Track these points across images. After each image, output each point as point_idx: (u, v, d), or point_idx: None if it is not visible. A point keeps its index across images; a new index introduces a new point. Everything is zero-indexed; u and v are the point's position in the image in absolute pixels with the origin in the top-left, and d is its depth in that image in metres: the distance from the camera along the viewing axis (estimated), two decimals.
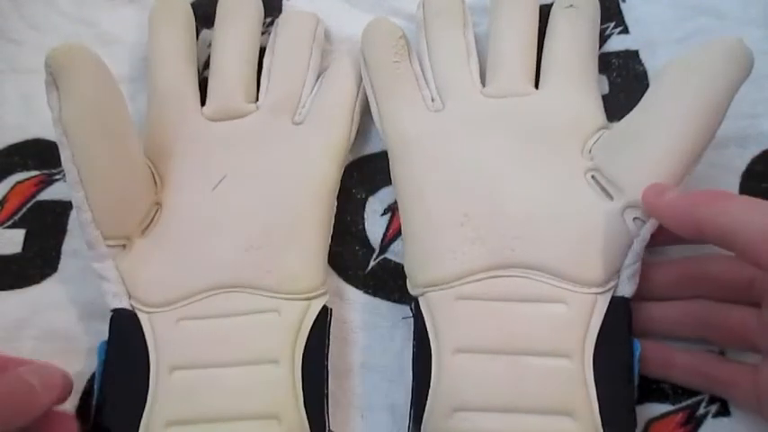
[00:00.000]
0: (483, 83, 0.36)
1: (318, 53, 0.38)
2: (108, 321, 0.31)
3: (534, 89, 0.35)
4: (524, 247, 0.30)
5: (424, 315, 0.30)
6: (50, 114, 0.30)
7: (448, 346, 0.29)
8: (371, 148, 0.38)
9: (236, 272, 0.32)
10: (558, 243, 0.30)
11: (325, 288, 0.32)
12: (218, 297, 0.31)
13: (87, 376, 0.33)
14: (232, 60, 0.37)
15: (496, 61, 0.36)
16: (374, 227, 0.36)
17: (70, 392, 0.29)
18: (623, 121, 0.33)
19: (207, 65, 0.39)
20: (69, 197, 0.31)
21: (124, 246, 0.32)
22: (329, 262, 0.34)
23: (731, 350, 0.31)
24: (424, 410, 0.29)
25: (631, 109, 0.32)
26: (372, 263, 0.35)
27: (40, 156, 0.39)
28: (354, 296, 0.35)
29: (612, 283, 0.30)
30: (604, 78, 0.38)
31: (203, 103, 0.37)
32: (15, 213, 0.37)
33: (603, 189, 0.31)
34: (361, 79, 0.37)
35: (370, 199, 0.37)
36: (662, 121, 0.30)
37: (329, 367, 0.30)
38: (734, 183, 0.35)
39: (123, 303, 0.31)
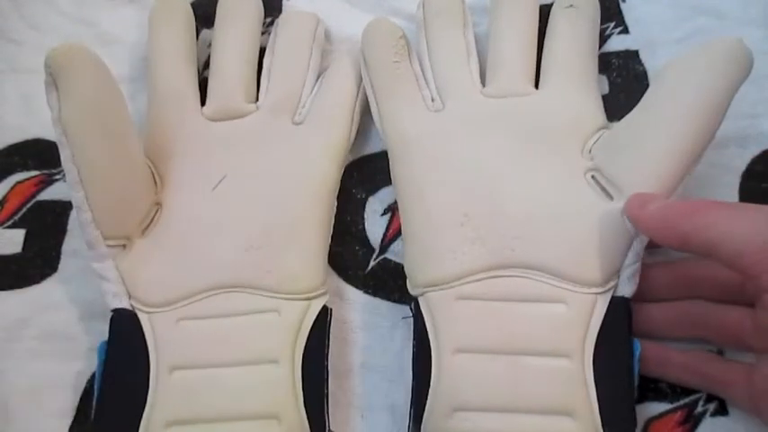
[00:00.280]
0: (483, 83, 0.36)
1: (318, 53, 0.38)
2: (108, 321, 0.31)
3: (534, 89, 0.35)
4: (524, 247, 0.30)
5: (424, 315, 0.30)
6: (50, 114, 0.30)
7: (448, 346, 0.29)
8: (371, 148, 0.38)
9: (236, 272, 0.32)
10: (558, 243, 0.30)
11: (325, 288, 0.32)
12: (219, 297, 0.31)
13: (87, 376, 0.33)
14: (232, 60, 0.37)
15: (496, 61, 0.36)
16: (374, 227, 0.36)
17: None
18: (623, 121, 0.33)
19: (207, 65, 0.39)
20: (69, 197, 0.31)
21: (124, 246, 0.32)
22: (329, 262, 0.34)
23: (729, 350, 0.31)
24: (423, 410, 0.29)
25: (631, 109, 0.32)
26: (372, 263, 0.35)
27: (40, 156, 0.39)
28: (354, 296, 0.35)
29: (612, 283, 0.30)
30: (604, 78, 0.38)
31: (203, 103, 0.37)
32: (15, 213, 0.37)
33: (603, 189, 0.31)
34: (361, 79, 0.37)
35: (370, 199, 0.37)
36: (662, 121, 0.30)
37: (329, 367, 0.30)
38: (734, 183, 0.35)
39: (123, 303, 0.31)
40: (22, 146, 0.39)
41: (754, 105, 0.36)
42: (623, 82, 0.38)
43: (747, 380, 0.28)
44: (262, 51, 0.39)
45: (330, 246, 0.34)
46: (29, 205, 0.37)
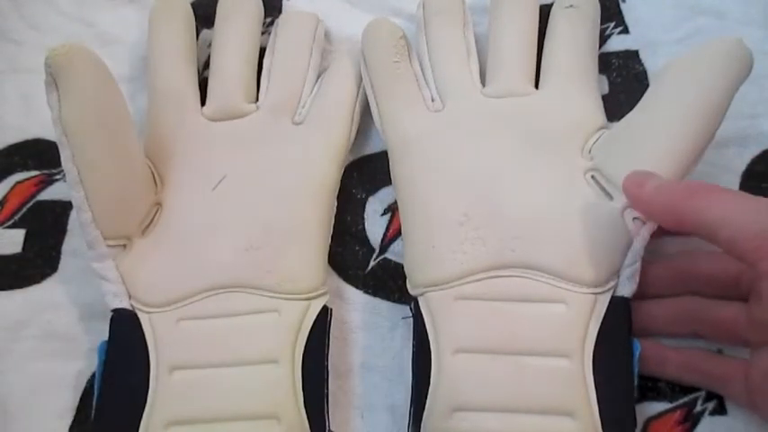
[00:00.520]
0: (483, 83, 0.36)
1: (318, 53, 0.38)
2: (108, 321, 0.31)
3: (534, 89, 0.35)
4: (524, 247, 0.30)
5: (424, 315, 0.30)
6: (50, 114, 0.30)
7: (448, 346, 0.29)
8: (371, 148, 0.38)
9: (236, 272, 0.32)
10: (558, 243, 0.30)
11: (325, 288, 0.32)
12: (219, 297, 0.31)
13: (87, 376, 0.33)
14: (232, 60, 0.37)
15: (496, 61, 0.36)
16: (374, 227, 0.36)
17: None
18: (623, 121, 0.33)
19: (207, 65, 0.39)
20: (69, 197, 0.31)
21: (124, 246, 0.32)
22: (329, 262, 0.34)
23: (727, 347, 0.31)
24: (423, 410, 0.29)
25: (631, 109, 0.32)
26: (372, 263, 0.35)
27: (40, 156, 0.39)
28: (354, 296, 0.35)
29: (612, 283, 0.30)
30: (604, 78, 0.38)
31: (203, 103, 0.37)
32: (15, 213, 0.37)
33: (603, 189, 0.31)
34: (361, 79, 0.37)
35: (370, 199, 0.37)
36: (662, 121, 0.30)
37: (329, 367, 0.30)
38: (734, 183, 0.35)
39: (123, 303, 0.31)
40: (22, 146, 0.39)
41: (754, 105, 0.36)
42: (623, 82, 0.38)
43: (744, 375, 0.29)
44: (262, 51, 0.39)
45: (330, 246, 0.34)
46: (29, 205, 0.37)
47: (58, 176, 0.38)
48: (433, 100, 0.35)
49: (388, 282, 0.35)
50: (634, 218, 0.30)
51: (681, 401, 0.31)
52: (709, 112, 0.29)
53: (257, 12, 0.39)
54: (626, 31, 0.39)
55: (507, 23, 0.36)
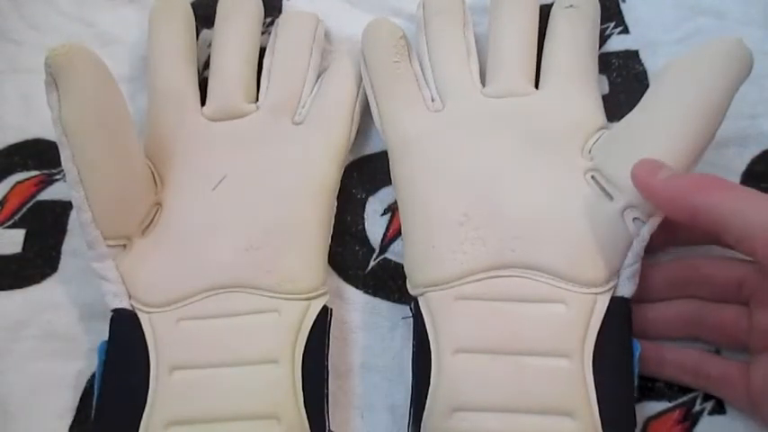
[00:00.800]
0: (483, 83, 0.36)
1: (318, 53, 0.38)
2: (108, 321, 0.31)
3: (534, 89, 0.35)
4: (524, 247, 0.30)
5: (424, 315, 0.30)
6: (50, 114, 0.30)
7: (447, 346, 0.29)
8: (371, 148, 0.38)
9: (236, 272, 0.32)
10: (558, 243, 0.30)
11: (325, 288, 0.32)
12: (219, 297, 0.31)
13: (87, 376, 0.33)
14: (232, 60, 0.37)
15: (496, 61, 0.36)
16: (374, 227, 0.36)
17: None
18: (623, 121, 0.33)
19: (207, 65, 0.39)
20: (69, 197, 0.31)
21: (124, 246, 0.32)
22: (329, 262, 0.34)
23: (726, 351, 0.31)
24: (423, 410, 0.29)
25: (631, 109, 0.32)
26: (372, 263, 0.35)
27: (40, 156, 0.39)
28: (354, 296, 0.35)
29: (612, 284, 0.30)
30: (604, 78, 0.38)
31: (203, 103, 0.37)
32: (15, 213, 0.37)
33: (603, 189, 0.31)
34: (361, 79, 0.37)
35: (370, 199, 0.37)
36: (662, 121, 0.30)
37: (329, 367, 0.31)
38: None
39: (123, 303, 0.31)
40: (22, 146, 0.39)
41: (754, 105, 0.36)
42: (623, 82, 0.38)
43: (744, 378, 0.29)
44: (262, 51, 0.38)
45: (330, 246, 0.34)
46: (29, 205, 0.37)
47: (58, 176, 0.38)
48: (433, 100, 0.35)
49: (388, 282, 0.35)
50: (634, 218, 0.30)
51: (680, 401, 0.31)
52: (709, 112, 0.29)
53: (257, 12, 0.39)
54: (626, 31, 0.39)
55: (507, 23, 0.36)
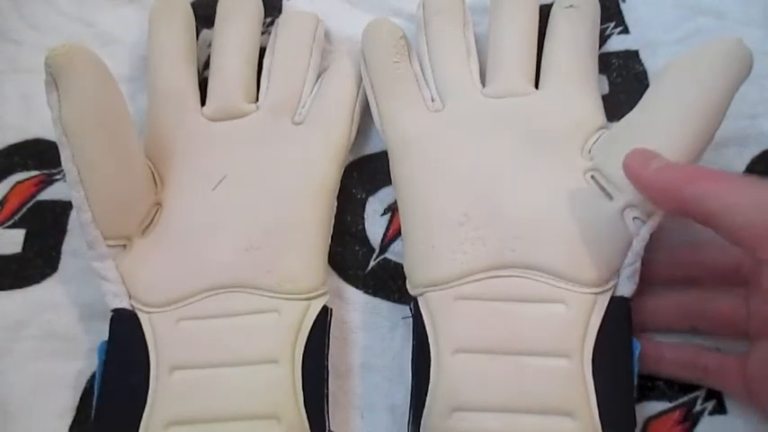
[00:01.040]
0: (483, 83, 0.36)
1: (318, 53, 0.38)
2: (108, 321, 0.31)
3: (534, 89, 0.35)
4: (524, 247, 0.30)
5: (424, 315, 0.30)
6: (50, 114, 0.30)
7: (447, 346, 0.29)
8: (371, 148, 0.38)
9: (235, 272, 0.32)
10: (558, 243, 0.30)
11: (325, 288, 0.32)
12: (219, 297, 0.31)
13: (87, 376, 0.33)
14: (232, 60, 0.37)
15: (496, 61, 0.36)
16: (374, 227, 0.36)
17: None
18: (623, 121, 0.33)
19: (207, 65, 0.39)
20: (69, 197, 0.31)
21: (124, 246, 0.32)
22: (329, 262, 0.34)
23: (725, 344, 0.31)
24: (423, 410, 0.29)
25: (631, 109, 0.32)
26: (372, 263, 0.35)
27: (40, 156, 0.39)
28: (354, 296, 0.35)
29: (612, 283, 0.30)
30: (604, 78, 0.38)
31: (203, 103, 0.37)
32: (15, 213, 0.37)
33: (603, 189, 0.31)
34: (361, 79, 0.37)
35: (370, 199, 0.37)
36: (661, 121, 0.30)
37: (329, 367, 0.31)
38: None
39: (123, 303, 0.31)
40: (22, 146, 0.39)
41: (754, 105, 0.36)
42: (623, 82, 0.38)
43: (742, 368, 0.29)
44: (262, 51, 0.38)
45: (330, 246, 0.34)
46: (29, 205, 0.37)
47: (58, 176, 0.38)
48: (433, 100, 0.35)
49: (388, 282, 0.35)
50: (634, 218, 0.30)
51: (680, 401, 0.31)
52: (709, 112, 0.29)
53: (257, 12, 0.39)
54: (626, 31, 0.39)
55: (507, 23, 0.36)
